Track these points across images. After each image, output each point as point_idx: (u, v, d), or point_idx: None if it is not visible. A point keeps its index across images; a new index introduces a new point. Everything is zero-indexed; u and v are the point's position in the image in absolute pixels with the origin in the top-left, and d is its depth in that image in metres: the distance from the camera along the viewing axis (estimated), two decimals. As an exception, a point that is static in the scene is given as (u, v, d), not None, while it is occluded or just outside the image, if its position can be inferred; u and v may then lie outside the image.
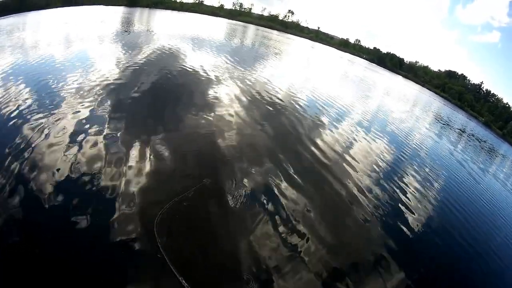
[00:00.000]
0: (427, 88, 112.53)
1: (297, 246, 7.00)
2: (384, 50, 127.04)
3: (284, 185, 9.13)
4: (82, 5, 63.11)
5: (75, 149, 8.06)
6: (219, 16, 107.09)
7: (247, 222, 7.19)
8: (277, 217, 7.67)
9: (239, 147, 10.45)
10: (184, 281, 5.01)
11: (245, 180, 8.64)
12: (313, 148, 12.53)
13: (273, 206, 8.03)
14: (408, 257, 8.77)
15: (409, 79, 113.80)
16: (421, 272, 8.51)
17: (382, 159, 14.89)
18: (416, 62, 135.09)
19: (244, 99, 15.61)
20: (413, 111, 41.28)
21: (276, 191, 8.70)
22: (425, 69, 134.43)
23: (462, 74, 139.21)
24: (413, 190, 13.18)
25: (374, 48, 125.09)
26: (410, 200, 12.02)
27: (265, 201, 8.09)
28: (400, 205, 11.34)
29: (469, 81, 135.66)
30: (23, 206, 5.93)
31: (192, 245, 6.06)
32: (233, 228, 6.85)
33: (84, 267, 5.02)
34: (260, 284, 5.80)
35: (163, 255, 5.35)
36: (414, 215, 11.13)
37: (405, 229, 10.06)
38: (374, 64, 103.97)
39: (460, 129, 50.54)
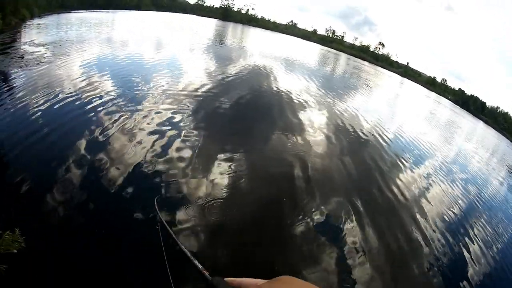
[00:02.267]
0: (505, 136, 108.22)
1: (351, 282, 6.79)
2: (468, 91, 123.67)
3: (351, 220, 8.92)
4: (175, 12, 65.20)
5: (150, 147, 8.59)
6: (311, 41, 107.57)
7: (303, 249, 7.00)
8: (334, 251, 7.44)
9: (315, 175, 10.33)
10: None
11: (313, 208, 8.44)
12: (388, 188, 12.17)
13: (333, 239, 7.82)
14: None
15: (489, 125, 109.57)
16: None
17: (454, 208, 14.18)
18: (497, 107, 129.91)
19: (329, 128, 15.40)
20: (491, 160, 39.83)
21: (341, 225, 8.50)
22: (505, 115, 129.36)
23: None
24: (479, 246, 12.35)
25: (459, 89, 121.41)
26: (474, 257, 11.29)
27: (327, 232, 7.90)
28: (464, 259, 10.73)
29: None
30: (88, 188, 6.44)
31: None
32: (290, 253, 6.69)
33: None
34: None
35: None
36: (476, 270, 10.51)
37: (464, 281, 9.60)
38: (457, 107, 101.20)
39: None
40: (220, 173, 8.42)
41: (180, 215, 6.43)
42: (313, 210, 8.40)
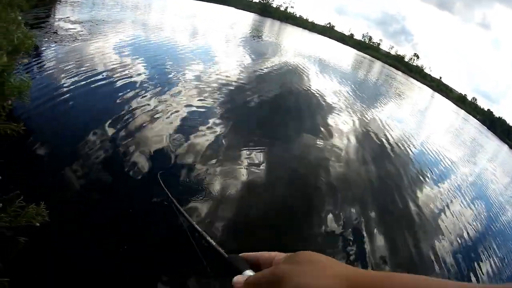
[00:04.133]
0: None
1: None
2: (496, 113, 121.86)
3: (365, 230, 8.89)
4: (215, 2, 65.01)
5: (173, 133, 8.65)
6: (347, 45, 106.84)
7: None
8: (343, 258, 7.34)
9: (336, 180, 10.33)
10: None
11: (329, 214, 8.41)
12: (408, 201, 12.18)
13: (343, 246, 7.77)
14: None
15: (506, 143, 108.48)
16: None
17: (468, 229, 14.16)
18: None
19: (356, 134, 15.42)
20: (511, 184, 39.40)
21: (354, 233, 8.42)
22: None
23: None
24: (490, 268, 12.43)
25: (488, 110, 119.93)
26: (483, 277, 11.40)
27: (339, 238, 7.88)
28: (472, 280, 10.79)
29: None
30: (108, 165, 6.60)
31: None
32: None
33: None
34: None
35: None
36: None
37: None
38: (485, 127, 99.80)
39: None
40: (239, 165, 8.49)
41: (192, 199, 6.53)
42: (329, 215, 8.39)
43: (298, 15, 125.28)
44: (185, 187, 6.75)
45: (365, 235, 8.66)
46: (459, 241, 12.52)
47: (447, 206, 14.60)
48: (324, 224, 7.93)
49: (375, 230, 9.05)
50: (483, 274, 11.52)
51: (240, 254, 0.92)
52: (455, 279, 9.97)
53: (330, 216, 8.34)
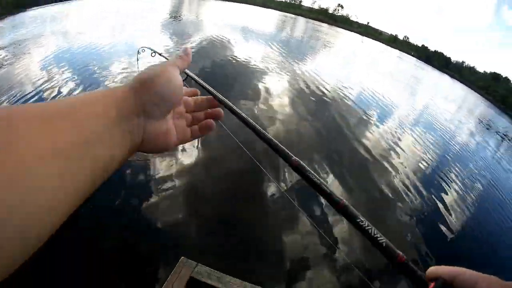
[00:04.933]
0: (472, 89, 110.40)
1: (333, 240, 6.90)
2: (431, 48, 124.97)
3: (327, 178, 9.13)
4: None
5: None
6: (270, 8, 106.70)
7: (280, 214, 7.12)
8: (318, 210, 7.59)
9: (283, 140, 10.23)
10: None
11: (285, 173, 8.51)
12: (358, 144, 12.50)
13: (307, 201, 7.86)
14: (446, 256, 8.78)
15: (455, 79, 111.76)
16: None
17: (425, 159, 14.71)
18: (463, 62, 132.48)
19: (292, 91, 15.44)
20: (458, 111, 40.54)
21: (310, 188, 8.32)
22: (471, 69, 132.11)
23: (506, 77, 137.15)
24: (454, 193, 12.93)
25: (422, 45, 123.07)
26: (450, 203, 11.83)
27: (301, 195, 7.95)
28: (439, 207, 11.19)
29: None
30: None
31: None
32: (267, 218, 6.85)
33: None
34: (290, 280, 5.71)
35: None
36: (453, 217, 10.97)
37: (443, 229, 10.02)
38: (421, 62, 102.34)
39: (505, 135, 49.24)
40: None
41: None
42: (285, 175, 8.49)
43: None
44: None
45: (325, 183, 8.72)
46: (417, 173, 12.88)
47: (397, 143, 14.96)
48: (279, 183, 8.10)
49: (330, 178, 9.22)
50: (447, 201, 11.88)
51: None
52: (420, 211, 10.32)
53: (282, 175, 8.46)
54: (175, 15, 32.99)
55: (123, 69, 13.38)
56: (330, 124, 13.44)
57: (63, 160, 0.51)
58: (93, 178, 0.58)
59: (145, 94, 0.71)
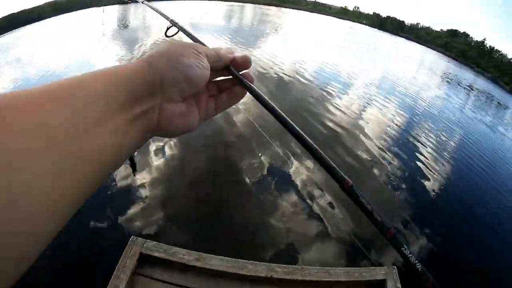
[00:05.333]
0: (431, 48, 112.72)
1: (318, 216, 7.06)
2: (384, 14, 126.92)
3: (299, 158, 9.04)
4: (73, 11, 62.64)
5: None
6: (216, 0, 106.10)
7: (262, 197, 7.25)
8: (296, 189, 7.71)
9: (246, 128, 10.40)
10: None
11: (257, 159, 8.63)
12: (324, 119, 12.51)
13: (290, 180, 8.03)
14: (429, 218, 8.88)
15: (411, 40, 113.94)
16: (443, 233, 8.48)
17: (394, 123, 14.85)
18: (418, 23, 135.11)
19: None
20: (419, 71, 41.64)
21: (292, 165, 8.68)
22: (427, 29, 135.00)
23: (464, 32, 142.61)
24: (429, 150, 13.18)
25: (374, 13, 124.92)
26: (426, 161, 12.02)
27: (282, 176, 8.12)
28: (417, 166, 11.33)
29: (472, 38, 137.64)
30: None
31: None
32: (249, 205, 6.94)
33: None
34: (277, 254, 5.86)
35: None
36: (432, 175, 11.11)
37: (423, 189, 10.18)
38: (375, 29, 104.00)
39: (468, 86, 50.31)
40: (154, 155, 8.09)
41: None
42: (255, 161, 8.56)
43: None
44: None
45: (296, 164, 8.86)
46: (391, 136, 13.09)
47: (364, 111, 15.16)
48: (255, 169, 8.16)
49: (304, 157, 9.05)
50: (425, 157, 12.18)
51: None
52: (398, 171, 10.49)
53: (255, 161, 8.58)
54: (123, 24, 32.62)
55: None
56: (295, 103, 13.38)
57: (57, 155, 0.43)
58: (96, 172, 0.50)
59: (165, 68, 0.59)
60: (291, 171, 8.59)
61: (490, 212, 10.77)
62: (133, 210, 6.17)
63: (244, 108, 10.43)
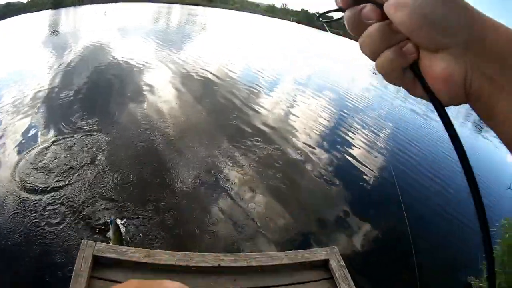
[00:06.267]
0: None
1: (259, 218, 7.48)
2: (312, 10, 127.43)
3: (233, 160, 9.51)
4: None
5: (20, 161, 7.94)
6: (145, 1, 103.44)
7: (203, 201, 7.56)
8: (233, 193, 8.06)
9: (181, 132, 10.59)
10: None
11: (192, 165, 8.86)
12: (254, 118, 12.88)
13: (226, 183, 8.39)
14: (368, 206, 9.75)
15: (340, 35, 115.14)
16: (383, 220, 9.39)
17: (324, 116, 15.43)
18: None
19: (178, 81, 15.47)
20: (350, 66, 42.01)
21: (226, 168, 9.05)
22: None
23: None
24: (361, 138, 14.07)
25: (302, 9, 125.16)
26: (359, 149, 12.89)
27: (217, 180, 8.46)
28: (350, 156, 12.02)
29: None
30: None
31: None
32: (189, 210, 7.19)
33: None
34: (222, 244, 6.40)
35: None
36: (366, 163, 11.92)
37: (359, 179, 10.88)
38: (303, 25, 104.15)
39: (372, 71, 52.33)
40: (80, 155, 8.38)
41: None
42: (189, 165, 8.86)
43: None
44: None
45: (229, 164, 9.30)
46: (322, 128, 13.71)
47: (293, 106, 15.70)
48: (187, 173, 8.41)
49: (236, 155, 9.70)
50: (359, 146, 12.98)
51: None
52: (337, 159, 11.39)
53: (189, 165, 8.85)
54: (53, 30, 31.64)
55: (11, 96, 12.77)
56: (223, 104, 13.66)
57: None
58: None
59: None
60: (229, 170, 8.98)
61: (422, 197, 11.50)
62: (75, 216, 6.34)
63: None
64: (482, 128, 44.48)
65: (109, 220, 5.94)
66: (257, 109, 14.13)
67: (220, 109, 13.11)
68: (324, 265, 4.77)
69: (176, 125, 10.94)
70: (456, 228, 10.57)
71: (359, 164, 11.81)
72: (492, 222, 6.70)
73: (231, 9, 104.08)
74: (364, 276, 6.91)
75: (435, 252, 9.05)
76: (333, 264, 4.67)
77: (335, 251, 4.93)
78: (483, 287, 6.78)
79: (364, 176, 11.22)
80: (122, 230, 5.97)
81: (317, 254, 4.83)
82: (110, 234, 5.63)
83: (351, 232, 8.36)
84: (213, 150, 9.84)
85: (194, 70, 17.80)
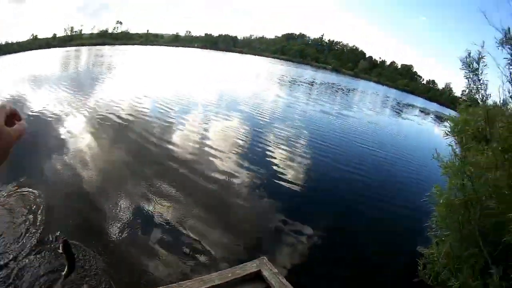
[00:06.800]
0: (266, 56, 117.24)
1: (195, 252, 7.58)
2: (216, 34, 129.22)
3: (158, 198, 9.61)
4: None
5: None
6: (52, 47, 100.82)
7: (137, 247, 7.53)
8: (166, 232, 8.17)
9: (103, 179, 10.64)
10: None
11: (118, 209, 8.89)
12: (173, 152, 13.23)
13: (156, 224, 8.46)
14: (305, 211, 10.36)
15: (244, 53, 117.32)
16: (321, 218, 10.08)
17: (241, 136, 16.10)
18: (251, 35, 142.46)
19: (91, 126, 15.34)
20: (257, 81, 44.99)
21: (153, 207, 9.13)
22: (261, 39, 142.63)
23: (300, 33, 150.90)
24: (284, 151, 14.81)
25: (206, 34, 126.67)
26: (284, 161, 13.72)
27: (143, 221, 8.51)
28: (276, 169, 12.78)
29: (309, 37, 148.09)
30: None
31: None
32: (123, 257, 7.13)
33: None
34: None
35: None
36: (292, 173, 12.69)
37: (289, 189, 11.44)
38: (207, 50, 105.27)
39: (310, 82, 53.79)
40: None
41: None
42: (116, 208, 8.90)
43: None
44: None
45: (155, 199, 9.54)
46: (241, 147, 14.53)
47: (207, 130, 16.45)
48: (115, 219, 8.41)
49: (164, 197, 9.78)
50: (279, 155, 14.00)
51: None
52: (263, 174, 12.07)
53: (117, 209, 8.88)
54: None
55: None
56: (140, 144, 13.84)
57: None
58: None
59: None
60: (155, 205, 9.17)
61: (349, 190, 12.90)
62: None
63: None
64: (401, 111, 47.26)
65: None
66: (173, 141, 14.45)
67: (138, 150, 13.33)
68: (257, 276, 5.00)
69: (99, 172, 10.94)
70: (388, 211, 11.72)
71: (281, 173, 12.57)
72: (428, 191, 7.41)
73: (137, 44, 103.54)
74: (313, 275, 7.59)
75: (379, 236, 10.06)
76: (265, 273, 4.95)
77: (264, 261, 5.23)
78: (434, 253, 7.07)
79: (287, 184, 11.87)
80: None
81: (248, 267, 5.05)
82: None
83: (285, 239, 8.84)
84: (138, 189, 9.95)
85: (106, 113, 17.53)
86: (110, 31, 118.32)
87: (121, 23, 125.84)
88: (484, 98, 6.75)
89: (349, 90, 64.45)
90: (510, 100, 7.02)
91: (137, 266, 6.86)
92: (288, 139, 16.87)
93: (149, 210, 9.01)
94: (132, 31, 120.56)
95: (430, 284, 6.72)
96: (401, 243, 10.08)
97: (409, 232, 10.47)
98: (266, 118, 21.22)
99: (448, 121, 7.31)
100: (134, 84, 29.44)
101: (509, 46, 6.42)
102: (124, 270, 6.65)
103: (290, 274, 7.22)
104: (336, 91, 55.56)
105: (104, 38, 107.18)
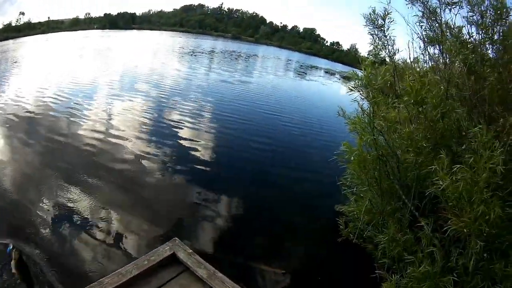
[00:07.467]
0: (165, 30, 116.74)
1: (120, 238, 7.52)
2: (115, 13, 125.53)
3: (68, 189, 9.29)
4: None
5: None
6: None
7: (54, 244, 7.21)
8: (78, 225, 7.86)
9: (20, 180, 9.96)
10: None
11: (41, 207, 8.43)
12: (80, 141, 12.82)
13: (67, 217, 8.11)
14: (217, 185, 10.36)
15: (144, 29, 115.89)
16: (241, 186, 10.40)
17: (145, 117, 16.02)
18: (149, 11, 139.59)
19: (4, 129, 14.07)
20: (155, 57, 44.32)
21: (63, 199, 8.79)
22: (159, 13, 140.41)
23: (199, 4, 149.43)
24: (189, 128, 14.89)
25: (104, 14, 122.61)
26: (191, 138, 13.71)
27: (54, 215, 8.14)
28: (184, 146, 12.86)
29: (208, 7, 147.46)
30: None
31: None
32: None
33: None
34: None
35: None
36: (200, 148, 12.80)
37: (199, 164, 11.56)
38: (106, 30, 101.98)
39: (209, 52, 53.86)
40: None
41: None
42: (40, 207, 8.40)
43: None
44: None
45: (74, 195, 8.99)
46: (149, 127, 14.64)
47: (113, 115, 16.21)
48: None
49: (82, 192, 9.20)
50: (189, 130, 14.25)
51: None
52: (175, 153, 12.11)
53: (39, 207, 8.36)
54: None
55: None
56: (47, 140, 12.99)
57: None
58: None
59: None
60: (74, 202, 8.66)
61: (264, 159, 13.20)
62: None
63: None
64: (305, 73, 48.27)
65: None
66: (80, 129, 14.00)
67: (46, 145, 12.58)
68: (173, 259, 4.97)
69: (7, 171, 10.34)
70: (301, 176, 11.99)
71: (190, 149, 12.71)
72: (338, 148, 7.75)
73: (38, 34, 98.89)
74: (225, 251, 7.52)
75: (296, 202, 10.25)
76: (180, 255, 4.92)
77: (177, 242, 5.21)
78: (353, 210, 7.45)
79: (196, 159, 12.00)
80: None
81: (162, 251, 4.97)
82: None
83: (199, 216, 8.92)
84: (56, 190, 9.32)
85: (14, 110, 16.30)
86: (14, 23, 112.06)
87: (23, 13, 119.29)
88: (391, 53, 7.11)
89: (249, 56, 65.07)
90: (422, 57, 7.46)
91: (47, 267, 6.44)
92: (192, 114, 16.94)
93: (59, 202, 8.67)
94: (35, 20, 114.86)
95: (356, 242, 6.96)
96: (318, 204, 10.31)
97: (326, 194, 10.78)
98: (167, 94, 21.20)
99: (353, 77, 6.94)
100: (38, 76, 27.47)
101: (420, 3, 6.80)
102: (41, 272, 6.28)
103: (207, 250, 7.32)
104: (236, 58, 56.03)
105: (8, 33, 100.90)
